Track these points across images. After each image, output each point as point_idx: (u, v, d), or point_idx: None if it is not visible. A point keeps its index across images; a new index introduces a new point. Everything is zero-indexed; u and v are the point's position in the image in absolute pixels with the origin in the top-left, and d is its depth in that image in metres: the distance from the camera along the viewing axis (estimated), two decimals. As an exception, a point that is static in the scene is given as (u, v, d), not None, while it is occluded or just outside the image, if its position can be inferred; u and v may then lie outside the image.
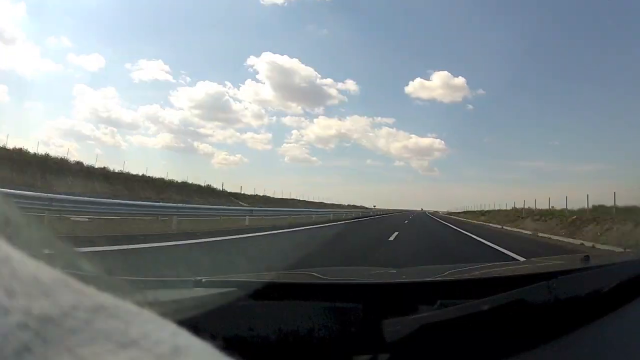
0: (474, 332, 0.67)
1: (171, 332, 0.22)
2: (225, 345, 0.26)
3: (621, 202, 13.31)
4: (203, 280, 0.78)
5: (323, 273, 1.32)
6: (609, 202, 13.79)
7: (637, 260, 1.25)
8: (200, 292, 0.75)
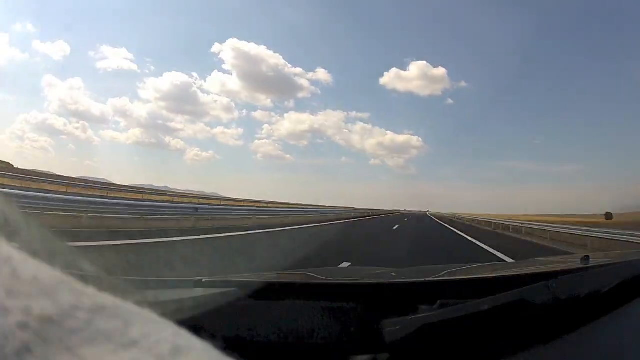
0: (474, 332, 0.67)
1: (171, 332, 0.22)
2: (225, 345, 0.27)
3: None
4: (203, 280, 0.78)
5: (323, 273, 1.32)
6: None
7: (637, 260, 1.25)
8: (200, 292, 0.75)
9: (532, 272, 1.19)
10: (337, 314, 0.68)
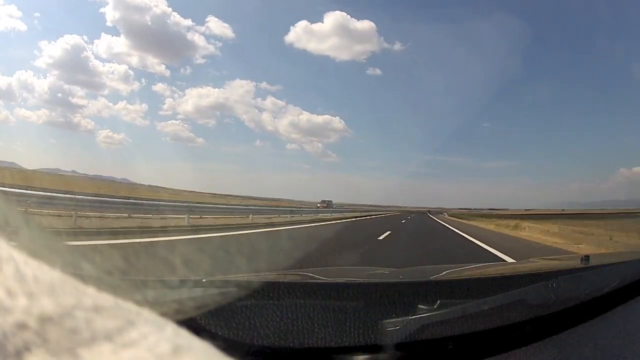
0: (474, 332, 0.67)
1: (171, 332, 0.22)
2: (225, 345, 0.27)
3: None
4: (203, 280, 0.78)
5: (323, 273, 1.32)
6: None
7: (637, 260, 1.25)
8: (200, 292, 0.75)
9: (532, 272, 1.20)
10: (337, 314, 0.68)
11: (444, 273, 1.22)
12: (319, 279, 1.19)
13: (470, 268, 1.65)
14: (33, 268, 0.22)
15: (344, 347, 0.65)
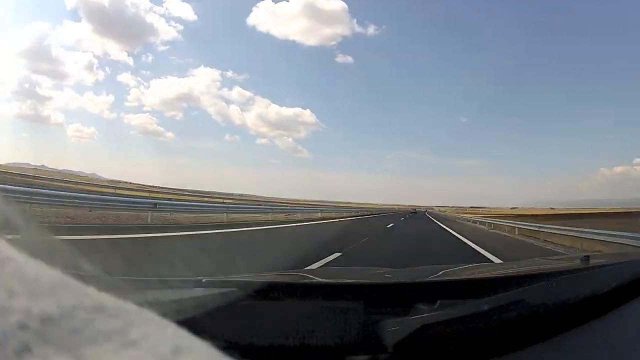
0: (474, 332, 0.67)
1: (172, 333, 0.22)
2: (225, 345, 0.27)
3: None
4: (203, 280, 0.78)
5: (323, 273, 1.32)
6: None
7: (637, 260, 1.25)
8: (200, 292, 0.75)
9: (532, 272, 1.20)
10: (337, 314, 0.68)
11: (443, 273, 1.22)
12: (319, 279, 1.19)
13: (470, 268, 1.66)
14: (33, 268, 0.22)
15: (344, 347, 0.65)
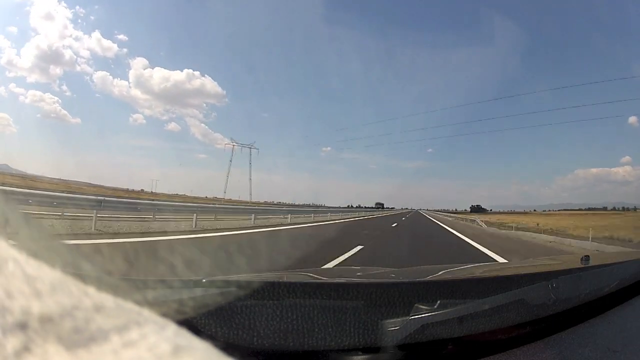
0: (474, 332, 0.67)
1: (171, 332, 0.22)
2: (225, 345, 0.27)
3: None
4: (203, 280, 0.78)
5: (323, 273, 1.32)
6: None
7: (637, 260, 1.25)
8: (200, 292, 0.75)
9: (532, 272, 1.20)
10: (337, 314, 0.68)
11: (443, 273, 1.22)
12: (319, 279, 1.19)
13: (470, 268, 1.65)
14: (33, 268, 0.22)
15: (344, 347, 0.65)
